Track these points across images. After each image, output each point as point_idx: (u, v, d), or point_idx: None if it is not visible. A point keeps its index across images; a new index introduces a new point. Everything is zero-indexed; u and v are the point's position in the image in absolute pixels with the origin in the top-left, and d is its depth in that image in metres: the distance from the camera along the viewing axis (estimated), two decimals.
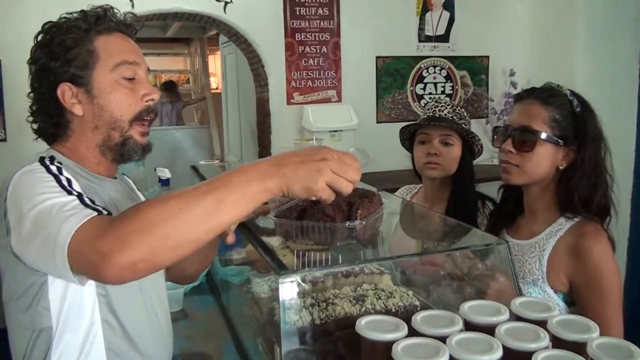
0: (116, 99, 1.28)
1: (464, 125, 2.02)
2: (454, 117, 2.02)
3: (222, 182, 0.99)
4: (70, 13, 1.30)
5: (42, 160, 1.21)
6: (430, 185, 2.13)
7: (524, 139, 1.59)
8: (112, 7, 1.33)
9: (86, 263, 0.99)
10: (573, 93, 1.62)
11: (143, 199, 1.51)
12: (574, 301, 1.56)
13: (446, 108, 2.03)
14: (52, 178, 1.14)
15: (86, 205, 1.07)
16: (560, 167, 1.60)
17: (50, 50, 1.25)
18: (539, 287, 1.57)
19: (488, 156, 4.51)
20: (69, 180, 1.15)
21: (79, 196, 1.10)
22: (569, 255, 1.55)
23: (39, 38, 1.28)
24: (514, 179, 1.64)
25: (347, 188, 1.02)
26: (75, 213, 1.03)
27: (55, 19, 1.30)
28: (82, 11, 1.30)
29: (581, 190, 1.57)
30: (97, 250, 0.96)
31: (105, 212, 1.07)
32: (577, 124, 1.58)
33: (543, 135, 1.56)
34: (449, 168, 2.01)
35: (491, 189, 2.04)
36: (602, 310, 1.48)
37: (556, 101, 1.60)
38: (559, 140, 1.58)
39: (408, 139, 2.15)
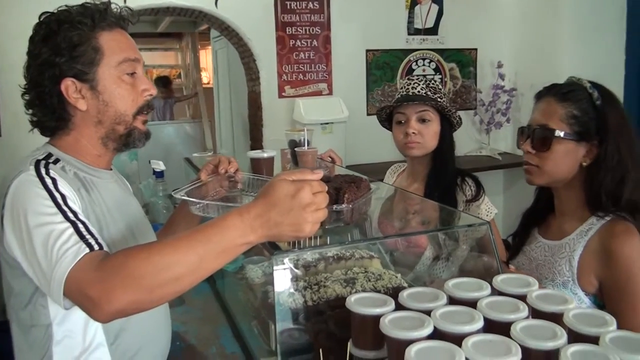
0: (120, 95, 1.32)
1: (438, 100, 2.01)
2: (428, 93, 2.00)
3: (204, 237, 1.03)
4: (67, 5, 1.32)
5: (37, 168, 1.22)
6: (413, 163, 2.13)
7: (541, 138, 1.55)
8: (111, 2, 1.36)
9: (79, 303, 1.07)
10: (594, 85, 1.55)
11: (129, 187, 1.58)
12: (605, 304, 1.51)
13: (419, 84, 2.02)
14: (47, 196, 1.17)
15: (80, 237, 1.11)
16: (584, 164, 1.54)
17: (55, 45, 1.26)
18: (569, 289, 1.52)
19: (476, 147, 4.59)
20: (63, 197, 1.18)
21: (73, 223, 1.14)
22: (598, 256, 1.50)
23: (41, 30, 1.29)
24: (535, 180, 1.61)
25: (324, 216, 1.07)
26: (69, 249, 1.08)
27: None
28: (82, 5, 1.31)
29: (607, 186, 1.51)
30: (88, 297, 1.03)
31: (96, 246, 1.11)
32: (598, 118, 1.52)
33: (559, 134, 1.52)
34: (429, 145, 2.01)
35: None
36: (633, 314, 1.42)
37: (574, 96, 1.54)
38: (577, 136, 1.52)
39: (386, 119, 2.14)
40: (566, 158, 1.54)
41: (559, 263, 1.56)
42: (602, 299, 1.51)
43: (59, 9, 1.32)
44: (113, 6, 1.36)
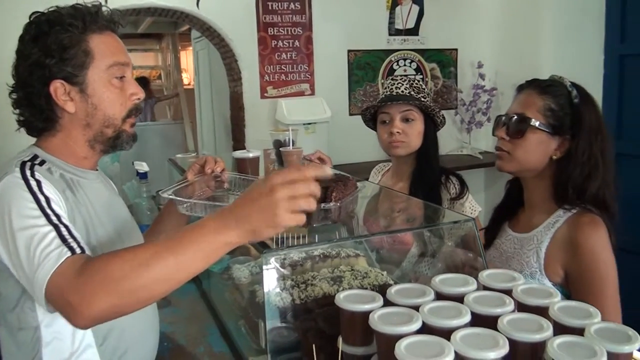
0: (109, 99, 1.32)
1: (422, 99, 2.03)
2: (412, 93, 2.03)
3: (181, 240, 1.03)
4: (58, 6, 1.31)
5: (22, 170, 1.22)
6: (397, 162, 2.15)
7: (516, 125, 1.60)
8: (101, 4, 1.35)
9: (59, 308, 1.07)
10: (574, 85, 1.61)
11: (115, 187, 1.58)
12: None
13: (403, 84, 2.04)
14: (32, 198, 1.17)
15: (63, 240, 1.11)
16: (554, 157, 1.59)
17: (45, 46, 1.26)
18: (537, 279, 1.55)
19: (457, 146, 4.63)
20: (47, 200, 1.18)
21: (56, 227, 1.14)
22: (565, 247, 1.54)
23: (32, 30, 1.28)
24: (504, 166, 1.65)
25: (309, 204, 1.02)
26: (51, 252, 1.08)
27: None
28: (73, 6, 1.31)
29: (575, 179, 1.56)
30: (68, 302, 1.03)
31: (78, 250, 1.11)
32: (574, 115, 1.57)
33: (535, 123, 1.57)
34: (413, 144, 2.03)
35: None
36: (598, 304, 1.37)
37: (554, 91, 1.60)
38: (551, 129, 1.57)
39: (370, 119, 2.16)
40: (538, 148, 1.59)
41: (527, 255, 1.60)
42: (569, 289, 1.55)
43: (50, 10, 1.31)
44: (104, 9, 1.35)
